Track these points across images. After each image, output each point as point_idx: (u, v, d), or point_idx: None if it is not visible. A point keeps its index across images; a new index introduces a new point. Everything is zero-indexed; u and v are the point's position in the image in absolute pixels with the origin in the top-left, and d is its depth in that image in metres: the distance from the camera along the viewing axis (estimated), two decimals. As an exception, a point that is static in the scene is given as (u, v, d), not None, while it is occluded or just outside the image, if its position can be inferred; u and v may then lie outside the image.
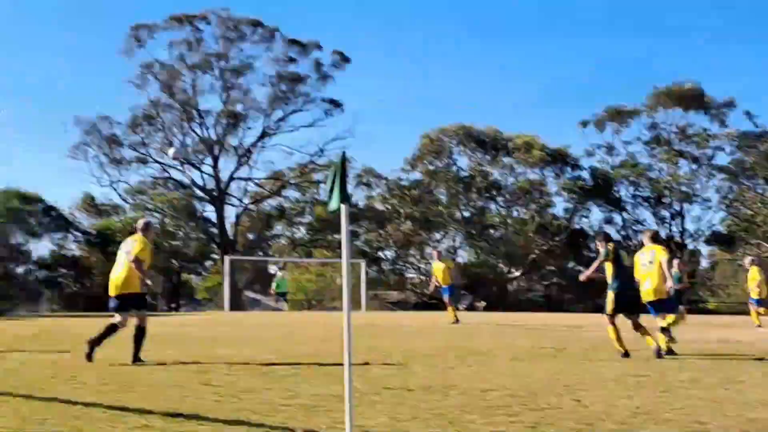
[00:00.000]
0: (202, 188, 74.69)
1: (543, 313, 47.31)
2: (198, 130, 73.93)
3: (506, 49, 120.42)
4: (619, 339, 14.23)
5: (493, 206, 79.11)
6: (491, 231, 77.57)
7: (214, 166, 73.90)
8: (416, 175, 78.30)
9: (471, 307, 73.18)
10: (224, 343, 16.83)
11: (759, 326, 24.21)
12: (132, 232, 14.05)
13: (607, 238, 14.99)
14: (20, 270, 67.97)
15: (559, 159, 76.28)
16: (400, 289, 77.27)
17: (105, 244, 68.37)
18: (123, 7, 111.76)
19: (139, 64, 72.17)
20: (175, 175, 75.21)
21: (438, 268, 27.69)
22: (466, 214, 77.72)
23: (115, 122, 72.91)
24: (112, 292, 13.25)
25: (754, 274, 25.47)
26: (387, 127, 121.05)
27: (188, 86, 73.02)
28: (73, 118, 74.38)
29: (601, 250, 14.38)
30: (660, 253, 14.62)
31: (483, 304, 73.21)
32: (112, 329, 12.94)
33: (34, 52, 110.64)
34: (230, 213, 76.38)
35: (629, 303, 14.34)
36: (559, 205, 77.81)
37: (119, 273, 13.17)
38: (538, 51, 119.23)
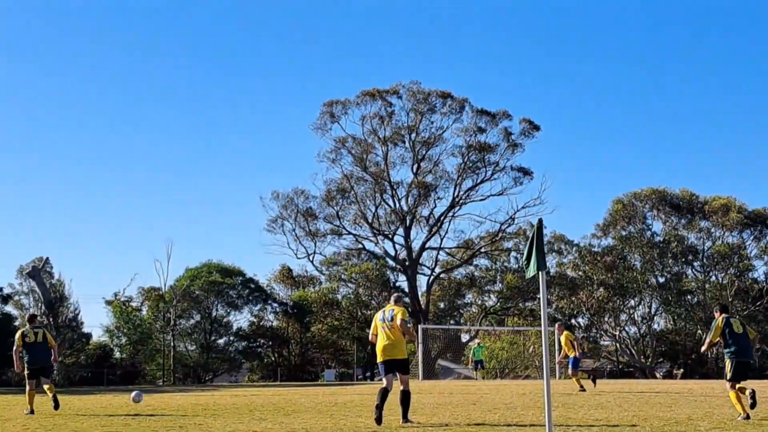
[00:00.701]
0: (395, 258, 75.76)
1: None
2: (390, 202, 75.28)
3: (698, 104, 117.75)
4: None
5: (689, 271, 76.92)
6: (688, 297, 75.28)
7: (406, 236, 74.92)
8: (608, 240, 77.09)
9: (669, 375, 70.96)
10: (417, 410, 16.98)
11: None
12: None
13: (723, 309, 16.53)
14: (221, 341, 70.46)
15: (758, 221, 73.62)
16: (595, 356, 75.77)
17: (301, 314, 70.19)
18: (315, 84, 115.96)
19: (333, 138, 74.48)
20: (368, 245, 76.68)
21: (563, 340, 28.42)
22: (662, 279, 75.82)
23: (310, 196, 75.19)
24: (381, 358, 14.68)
25: None
26: (577, 193, 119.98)
27: (380, 159, 74.70)
28: (271, 193, 77.28)
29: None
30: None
31: (680, 371, 70.96)
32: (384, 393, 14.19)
33: (234, 131, 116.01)
34: (422, 282, 77.10)
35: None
36: (760, 269, 74.91)
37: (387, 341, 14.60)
38: (729, 108, 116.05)
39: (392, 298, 15.55)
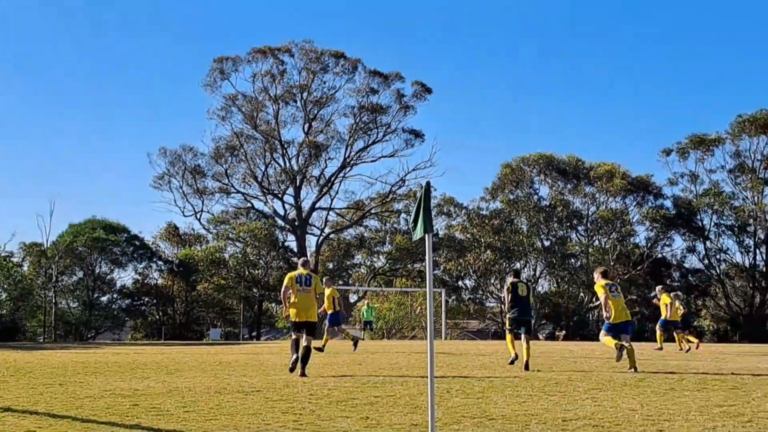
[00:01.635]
0: (284, 218, 75.41)
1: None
2: (280, 161, 74.80)
3: (587, 75, 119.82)
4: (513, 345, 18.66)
5: (574, 235, 78.49)
6: (572, 260, 76.88)
7: (296, 196, 74.66)
8: (497, 204, 78.07)
9: (551, 336, 72.48)
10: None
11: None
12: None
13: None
14: (104, 298, 69.26)
15: (641, 187, 75.49)
16: (480, 318, 76.94)
17: (187, 272, 69.39)
18: (206, 39, 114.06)
19: (223, 96, 73.47)
20: (258, 205, 76.14)
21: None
22: (547, 243, 77.20)
23: (199, 153, 74.17)
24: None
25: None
26: (467, 157, 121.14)
27: (271, 117, 74.04)
28: (159, 149, 75.91)
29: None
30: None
31: (562, 333, 72.52)
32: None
33: (120, 73, 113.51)
34: (311, 242, 77.00)
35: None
36: (641, 234, 76.90)
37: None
38: (620, 78, 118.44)
39: (300, 262, 16.96)
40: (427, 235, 5.04)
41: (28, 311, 62.46)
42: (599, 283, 18.31)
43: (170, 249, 78.76)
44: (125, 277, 70.85)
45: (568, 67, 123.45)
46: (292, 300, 15.98)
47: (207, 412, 9.95)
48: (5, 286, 59.77)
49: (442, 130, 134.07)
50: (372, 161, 76.91)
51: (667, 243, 77.58)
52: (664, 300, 29.55)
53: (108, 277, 68.55)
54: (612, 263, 73.24)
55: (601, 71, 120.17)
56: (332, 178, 75.68)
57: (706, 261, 76.82)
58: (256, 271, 75.14)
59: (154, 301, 72.42)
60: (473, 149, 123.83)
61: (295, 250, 76.09)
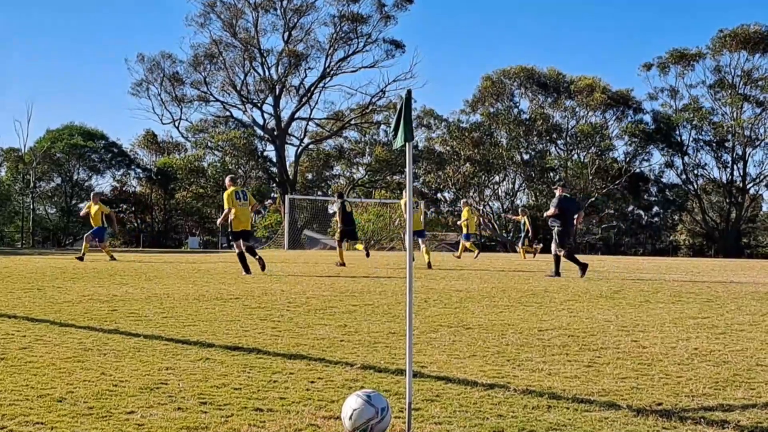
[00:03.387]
0: (263, 127, 75.08)
1: (600, 256, 47.08)
2: (259, 70, 74.15)
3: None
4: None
5: (553, 149, 78.67)
6: (551, 174, 77.14)
7: (275, 106, 74.24)
8: (477, 117, 77.96)
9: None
10: (282, 279, 17.00)
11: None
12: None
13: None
14: (82, 205, 69.19)
15: (621, 102, 75.48)
16: (459, 230, 77.36)
17: (166, 181, 69.23)
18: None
19: (202, 2, 72.43)
20: (237, 114, 75.69)
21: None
22: (526, 156, 77.36)
23: (177, 60, 73.41)
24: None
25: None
26: (447, 68, 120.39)
27: (250, 25, 73.17)
28: (137, 56, 75.10)
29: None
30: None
31: (540, 246, 73.05)
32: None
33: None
34: (290, 153, 76.87)
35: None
36: (620, 149, 77.17)
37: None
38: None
39: (228, 179, 19.65)
40: (407, 144, 5.00)
41: (5, 217, 62.41)
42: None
43: (148, 157, 78.52)
44: (103, 183, 70.74)
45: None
46: (234, 214, 18.89)
47: (185, 318, 9.98)
48: (-19, 191, 59.58)
49: (422, 41, 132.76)
50: (352, 72, 76.52)
51: (646, 158, 77.99)
52: (464, 215, 30.67)
53: (86, 183, 68.35)
54: (590, 177, 73.58)
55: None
56: (312, 88, 75.22)
57: (684, 176, 77.33)
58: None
59: (133, 208, 72.38)
60: (453, 61, 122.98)
61: (274, 159, 75.95)
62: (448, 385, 6.07)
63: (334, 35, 73.85)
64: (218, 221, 20.49)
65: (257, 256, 19.13)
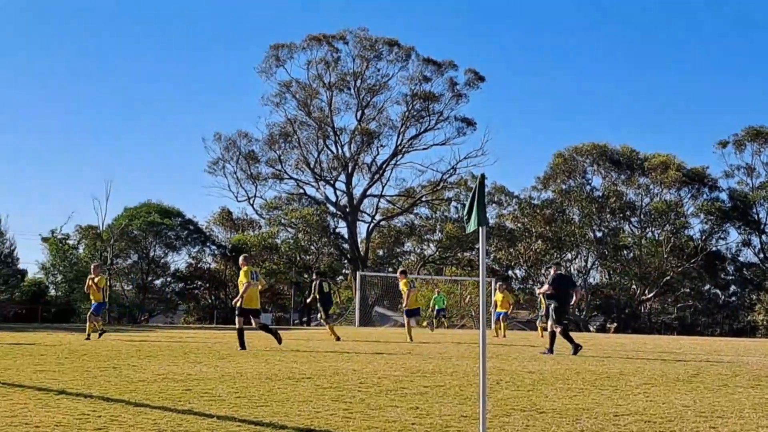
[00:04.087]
0: (335, 204, 75.68)
1: (676, 337, 46.21)
2: (333, 148, 75.07)
3: (643, 63, 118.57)
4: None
5: (626, 227, 77.94)
6: (624, 252, 76.31)
7: (348, 183, 74.90)
8: (548, 194, 77.72)
9: (602, 329, 72.02)
10: (353, 358, 16.98)
11: None
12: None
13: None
14: (158, 282, 70.09)
15: (696, 179, 74.74)
16: (531, 308, 76.58)
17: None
18: (262, 27, 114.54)
19: (278, 82, 73.79)
20: (310, 191, 76.50)
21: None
22: (599, 234, 76.71)
23: (253, 139, 74.66)
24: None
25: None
26: (519, 146, 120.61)
27: (324, 104, 74.30)
28: (214, 135, 76.56)
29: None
30: None
31: (614, 325, 72.06)
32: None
33: (178, 71, 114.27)
34: (362, 229, 77.27)
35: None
36: (696, 227, 76.20)
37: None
38: (677, 67, 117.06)
39: (243, 258, 21.04)
40: (480, 228, 5.02)
41: (84, 293, 63.44)
42: None
43: (223, 234, 79.56)
44: (179, 260, 71.70)
45: (623, 53, 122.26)
46: (246, 291, 19.87)
47: (258, 398, 10.02)
48: (61, 268, 60.71)
49: (493, 117, 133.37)
50: (423, 149, 77.06)
51: (722, 236, 76.93)
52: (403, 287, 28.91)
53: (162, 260, 69.38)
54: (665, 255, 72.59)
55: (657, 61, 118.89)
56: (384, 166, 75.84)
57: (762, 255, 75.90)
58: (308, 257, 75.53)
59: (207, 285, 73.11)
60: (525, 137, 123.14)
61: (346, 236, 76.36)
62: (521, 473, 5.99)
63: (406, 113, 74.62)
64: (235, 301, 20.56)
65: (274, 331, 20.51)
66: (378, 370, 14.02)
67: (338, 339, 25.38)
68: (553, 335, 20.00)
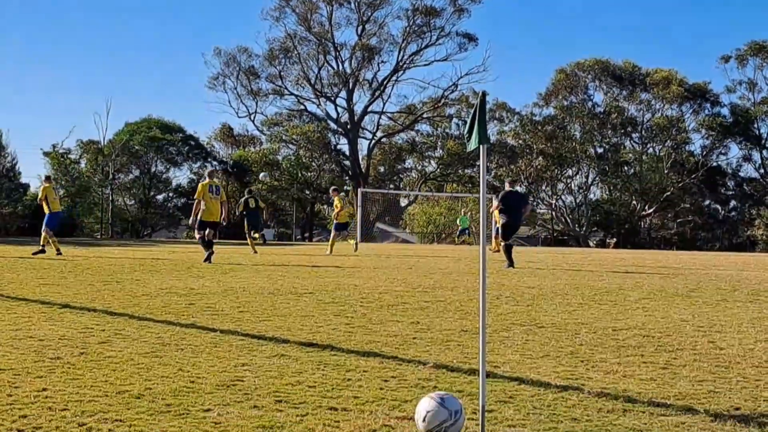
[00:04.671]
0: (336, 121, 75.40)
1: (675, 252, 46.41)
2: (333, 64, 74.49)
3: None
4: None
5: (628, 143, 77.72)
6: (625, 168, 76.24)
7: (349, 99, 74.52)
8: (550, 110, 77.32)
9: (602, 244, 72.34)
10: (354, 274, 17.08)
11: None
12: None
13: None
14: (160, 197, 70.15)
15: (698, 95, 74.28)
16: (531, 224, 76.83)
17: (242, 173, 69.93)
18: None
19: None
20: (311, 107, 76.14)
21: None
22: (600, 150, 76.55)
23: (253, 54, 74.07)
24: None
25: None
26: (520, 61, 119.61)
27: (324, 19, 73.51)
28: (213, 50, 75.96)
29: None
30: None
31: (614, 240, 72.34)
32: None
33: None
34: (363, 146, 77.09)
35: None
36: (697, 142, 75.97)
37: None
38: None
39: (208, 173, 21.96)
40: (481, 147, 4.99)
41: (85, 208, 63.58)
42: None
43: (224, 150, 79.42)
44: (180, 176, 71.61)
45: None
46: (204, 205, 20.26)
47: (261, 312, 10.11)
48: (63, 182, 60.71)
49: (495, 34, 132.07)
50: (425, 65, 76.50)
51: (723, 151, 76.68)
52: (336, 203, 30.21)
53: (164, 176, 69.36)
54: (666, 171, 72.57)
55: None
56: (385, 82, 75.34)
57: (762, 170, 75.83)
58: (309, 173, 75.53)
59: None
60: (527, 53, 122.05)
61: (347, 153, 76.26)
62: (521, 386, 6.07)
63: (408, 29, 73.90)
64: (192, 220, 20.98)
65: (210, 251, 20.10)
66: (379, 286, 14.13)
67: (255, 252, 26.46)
68: (508, 248, 20.65)
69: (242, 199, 29.68)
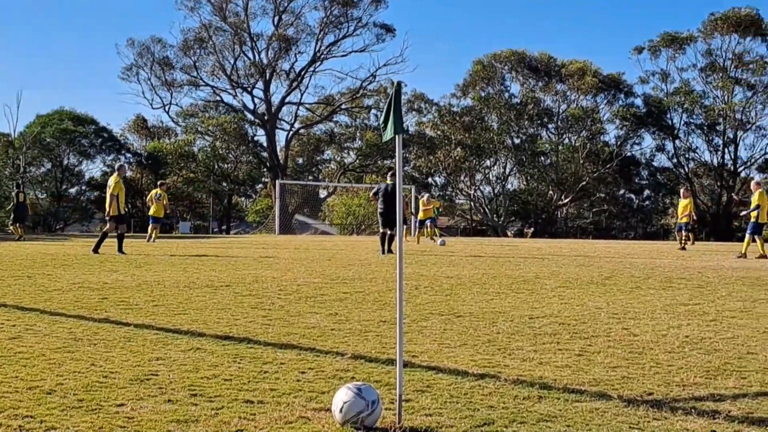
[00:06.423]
0: (253, 112, 74.86)
1: (591, 241, 47.12)
2: (249, 54, 73.93)
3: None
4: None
5: (544, 133, 78.61)
6: (542, 158, 77.13)
7: (266, 90, 74.03)
8: (467, 101, 77.80)
9: (520, 233, 73.13)
10: (273, 266, 16.98)
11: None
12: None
13: None
14: (73, 190, 68.97)
15: (612, 86, 75.43)
16: (450, 214, 77.35)
17: (156, 165, 69.04)
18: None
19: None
20: (227, 98, 75.47)
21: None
22: (517, 140, 77.29)
23: (168, 45, 73.15)
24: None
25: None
26: (438, 52, 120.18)
27: (240, 9, 72.86)
28: (127, 40, 74.80)
29: None
30: None
31: (531, 230, 73.20)
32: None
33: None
34: (281, 137, 76.70)
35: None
36: (611, 133, 77.18)
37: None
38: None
39: (118, 167, 22.48)
40: (397, 137, 4.96)
41: (-5, 201, 62.24)
42: None
43: (138, 141, 78.34)
44: (93, 169, 70.54)
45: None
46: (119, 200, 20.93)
47: (176, 306, 9.97)
48: (-28, 176, 59.35)
49: (413, 25, 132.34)
50: (342, 56, 76.40)
51: (637, 141, 78.05)
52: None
53: (76, 168, 68.22)
54: (581, 161, 73.59)
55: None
56: (302, 73, 75.07)
57: (675, 160, 77.38)
58: (226, 165, 74.92)
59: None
60: (444, 45, 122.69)
61: (265, 144, 75.80)
62: (439, 376, 6.07)
63: (325, 19, 73.68)
64: (109, 211, 21.23)
65: (100, 243, 20.82)
66: (297, 278, 14.05)
67: (20, 239, 30.18)
68: (382, 236, 22.58)
69: (13, 193, 33.52)
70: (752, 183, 26.39)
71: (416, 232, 36.42)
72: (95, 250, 20.46)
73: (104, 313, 9.23)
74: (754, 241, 23.74)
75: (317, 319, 9.00)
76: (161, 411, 4.99)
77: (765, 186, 25.16)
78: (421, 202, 35.52)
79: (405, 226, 36.90)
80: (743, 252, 23.54)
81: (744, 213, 24.84)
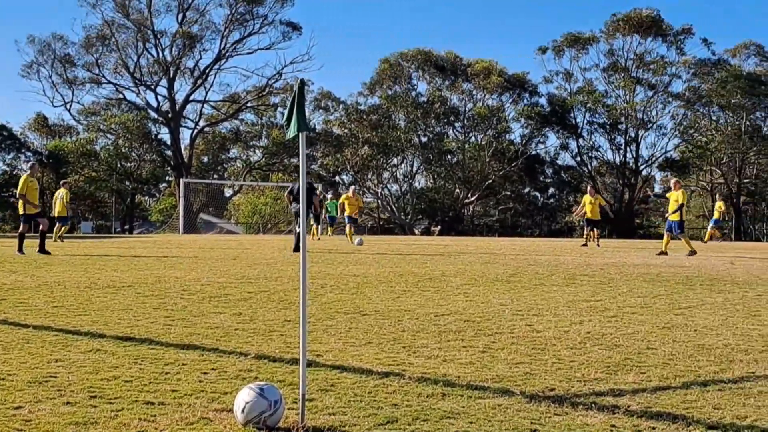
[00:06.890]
0: (157, 110, 73.85)
1: (497, 238, 47.64)
2: (153, 51, 72.91)
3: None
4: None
5: (451, 132, 79.17)
6: (448, 156, 77.67)
7: (170, 88, 73.08)
8: (375, 99, 77.94)
9: (427, 231, 73.56)
10: (176, 265, 16.75)
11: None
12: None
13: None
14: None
15: (517, 85, 76.30)
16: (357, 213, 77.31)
17: (58, 164, 67.67)
18: None
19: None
20: (130, 96, 74.32)
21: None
22: (424, 139, 77.70)
23: (69, 42, 71.71)
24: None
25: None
26: (345, 50, 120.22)
27: (143, 6, 71.77)
28: (27, 37, 73.13)
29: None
30: None
31: (438, 228, 73.69)
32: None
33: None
34: (185, 136, 75.82)
35: None
36: (517, 131, 78.08)
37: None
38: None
39: (29, 166, 22.92)
40: (300, 134, 4.92)
41: None
42: None
43: (39, 140, 76.68)
44: (-8, 168, 68.81)
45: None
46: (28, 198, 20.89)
47: (76, 307, 9.76)
48: None
49: (319, 23, 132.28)
50: (248, 54, 75.88)
51: (542, 140, 79.12)
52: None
53: (-27, 168, 66.47)
54: (487, 159, 74.35)
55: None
56: (207, 70, 74.32)
57: (579, 158, 78.68)
58: (129, 164, 73.80)
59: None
60: (351, 43, 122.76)
61: (169, 142, 74.86)
62: (343, 374, 6.04)
63: (230, 16, 73.06)
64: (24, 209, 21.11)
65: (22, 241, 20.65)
66: (201, 277, 13.88)
67: None
68: (297, 236, 23.36)
69: None
70: (672, 181, 27.00)
71: (322, 230, 36.23)
72: (19, 250, 20.18)
73: (2, 315, 8.99)
74: (678, 239, 24.33)
75: (221, 319, 8.90)
76: (60, 413, 4.88)
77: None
78: (345, 196, 34.55)
79: (325, 225, 37.24)
80: (663, 249, 24.07)
81: (669, 214, 24.75)
